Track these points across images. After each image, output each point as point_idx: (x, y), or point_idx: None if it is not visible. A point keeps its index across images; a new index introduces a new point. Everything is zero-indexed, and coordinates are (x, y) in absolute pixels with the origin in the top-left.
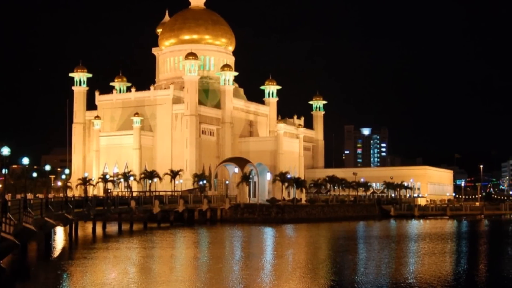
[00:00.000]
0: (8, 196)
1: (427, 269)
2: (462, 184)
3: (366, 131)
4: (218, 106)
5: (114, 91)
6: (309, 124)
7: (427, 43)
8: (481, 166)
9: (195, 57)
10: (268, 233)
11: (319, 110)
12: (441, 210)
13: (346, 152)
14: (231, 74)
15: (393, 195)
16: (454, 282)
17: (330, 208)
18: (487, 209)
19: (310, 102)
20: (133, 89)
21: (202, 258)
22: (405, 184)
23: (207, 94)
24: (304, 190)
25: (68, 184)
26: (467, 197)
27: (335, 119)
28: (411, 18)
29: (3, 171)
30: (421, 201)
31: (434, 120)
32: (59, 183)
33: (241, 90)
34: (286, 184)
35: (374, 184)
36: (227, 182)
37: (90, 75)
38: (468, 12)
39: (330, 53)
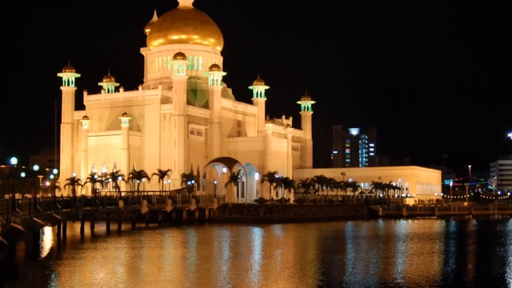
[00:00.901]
0: None
1: (416, 269)
2: (451, 184)
3: (354, 131)
4: (206, 106)
5: (102, 91)
6: (297, 124)
7: (415, 43)
8: (469, 166)
9: (183, 57)
10: (256, 233)
11: (307, 110)
12: (430, 210)
13: (335, 152)
14: (219, 74)
15: (381, 195)
16: (442, 282)
17: (318, 208)
18: (475, 209)
19: (298, 102)
20: (121, 89)
21: (190, 258)
22: (393, 184)
23: (195, 94)
24: (292, 190)
25: (57, 184)
26: (455, 197)
27: (323, 119)
28: (399, 18)
29: None
30: (409, 201)
31: (422, 120)
32: (48, 183)
33: (229, 90)
34: (275, 184)
35: (362, 184)
36: (215, 182)
37: (78, 75)
38: (456, 13)
39: (318, 53)
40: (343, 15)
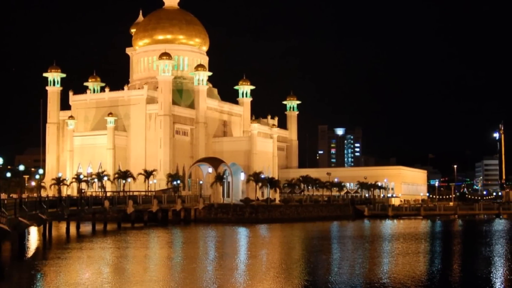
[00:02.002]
0: None
1: (401, 269)
2: (436, 184)
3: (340, 131)
4: (192, 106)
5: (88, 91)
6: (283, 124)
7: (400, 43)
8: (455, 166)
9: (169, 57)
10: (242, 233)
11: (293, 110)
12: (415, 210)
13: (320, 152)
14: (205, 74)
15: (367, 195)
16: (428, 282)
17: (304, 208)
18: (461, 209)
19: (284, 102)
20: (107, 89)
21: (176, 258)
22: (379, 184)
23: (181, 94)
24: (278, 190)
25: (42, 184)
26: (441, 197)
27: (309, 119)
28: (385, 18)
29: None
30: (395, 201)
31: (408, 120)
32: (33, 183)
33: (215, 90)
34: (260, 184)
35: (348, 184)
36: (201, 182)
37: (64, 75)
38: (442, 12)
39: (303, 53)
40: (328, 15)
